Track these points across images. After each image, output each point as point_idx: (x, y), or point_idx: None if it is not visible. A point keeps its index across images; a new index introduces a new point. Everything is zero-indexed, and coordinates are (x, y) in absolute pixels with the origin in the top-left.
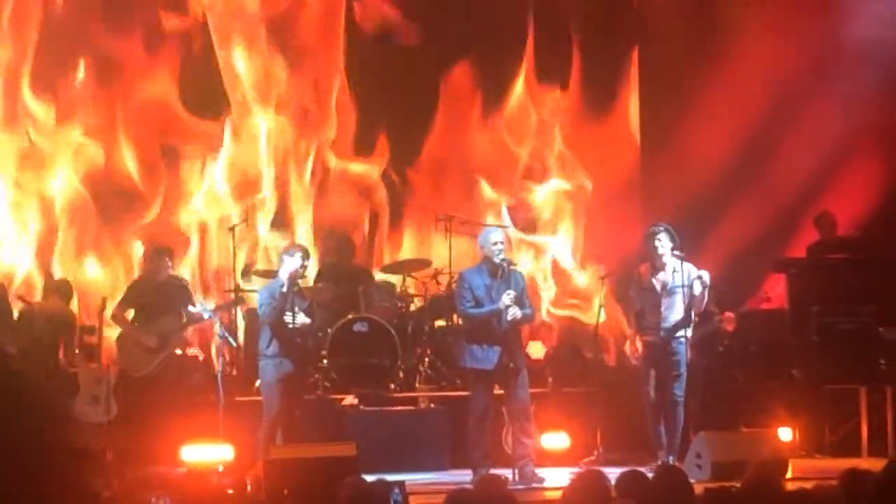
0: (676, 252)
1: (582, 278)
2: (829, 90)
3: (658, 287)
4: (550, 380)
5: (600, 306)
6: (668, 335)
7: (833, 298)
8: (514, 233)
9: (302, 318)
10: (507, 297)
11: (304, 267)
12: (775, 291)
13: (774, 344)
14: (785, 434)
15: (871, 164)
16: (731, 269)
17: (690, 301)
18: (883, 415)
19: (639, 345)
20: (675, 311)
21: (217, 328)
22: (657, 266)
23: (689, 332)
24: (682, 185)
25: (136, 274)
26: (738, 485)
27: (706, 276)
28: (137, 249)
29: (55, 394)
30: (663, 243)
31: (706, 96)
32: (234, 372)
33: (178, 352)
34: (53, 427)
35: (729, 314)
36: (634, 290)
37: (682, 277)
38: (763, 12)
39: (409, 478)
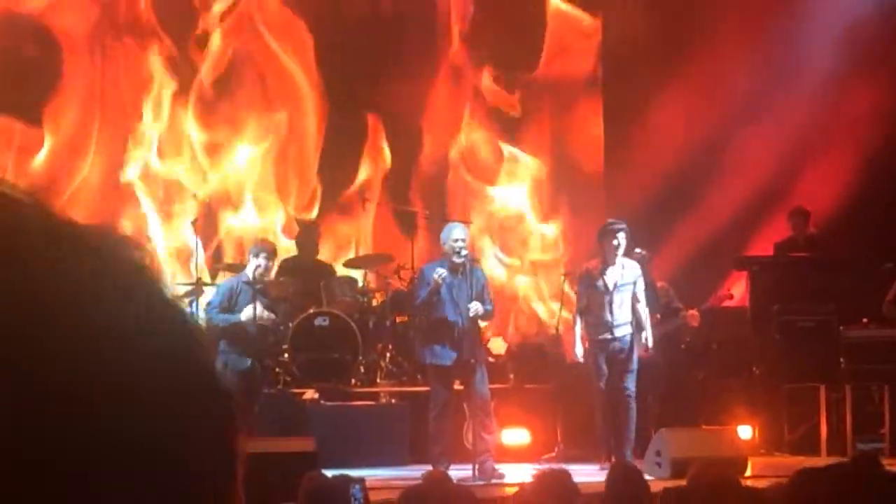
0: (638, 250)
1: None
2: (793, 89)
3: (609, 284)
4: (512, 376)
5: (561, 304)
6: (615, 332)
7: (794, 297)
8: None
9: (265, 314)
10: (439, 274)
11: (269, 266)
12: (737, 289)
13: (735, 342)
14: (744, 432)
15: (834, 161)
16: (694, 267)
17: (634, 298)
18: (842, 414)
19: (586, 345)
20: (623, 308)
21: None
22: (609, 263)
23: (650, 330)
24: (644, 183)
25: None
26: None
27: (644, 253)
28: None
29: None
30: (621, 241)
31: (669, 92)
32: None
33: None
34: None
35: (693, 312)
36: (582, 286)
37: (631, 275)
38: (727, 11)
39: (368, 473)
